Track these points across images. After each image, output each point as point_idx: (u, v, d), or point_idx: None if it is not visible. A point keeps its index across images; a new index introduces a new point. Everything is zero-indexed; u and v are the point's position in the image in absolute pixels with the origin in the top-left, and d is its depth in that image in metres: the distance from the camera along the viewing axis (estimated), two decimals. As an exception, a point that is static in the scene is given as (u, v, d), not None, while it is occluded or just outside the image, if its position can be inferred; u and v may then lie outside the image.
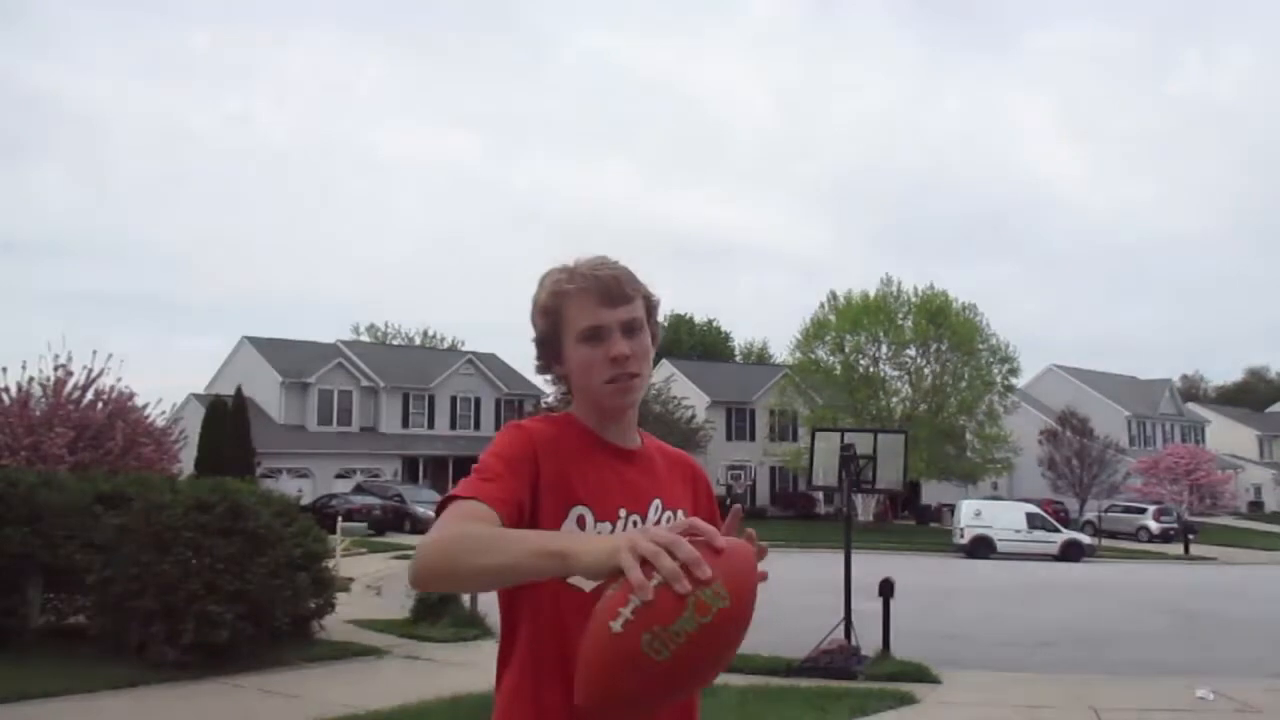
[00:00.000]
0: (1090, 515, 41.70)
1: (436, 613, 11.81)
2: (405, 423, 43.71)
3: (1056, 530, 33.07)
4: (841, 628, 9.90)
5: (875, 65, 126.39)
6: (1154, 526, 40.87)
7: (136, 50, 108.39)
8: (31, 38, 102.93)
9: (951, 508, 39.23)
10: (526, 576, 1.36)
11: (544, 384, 48.93)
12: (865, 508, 42.00)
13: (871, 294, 43.87)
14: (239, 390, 29.95)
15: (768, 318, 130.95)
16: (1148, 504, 43.00)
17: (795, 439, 45.65)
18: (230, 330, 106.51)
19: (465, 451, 43.18)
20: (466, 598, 12.19)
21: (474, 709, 7.37)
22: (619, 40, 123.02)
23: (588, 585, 1.37)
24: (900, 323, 42.95)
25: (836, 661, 9.33)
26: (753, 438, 47.95)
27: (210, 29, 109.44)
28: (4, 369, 18.48)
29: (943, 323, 42.33)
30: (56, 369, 18.59)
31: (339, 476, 38.64)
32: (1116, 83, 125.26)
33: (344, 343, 47.66)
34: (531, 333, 1.79)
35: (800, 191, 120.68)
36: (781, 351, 58.39)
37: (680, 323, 70.25)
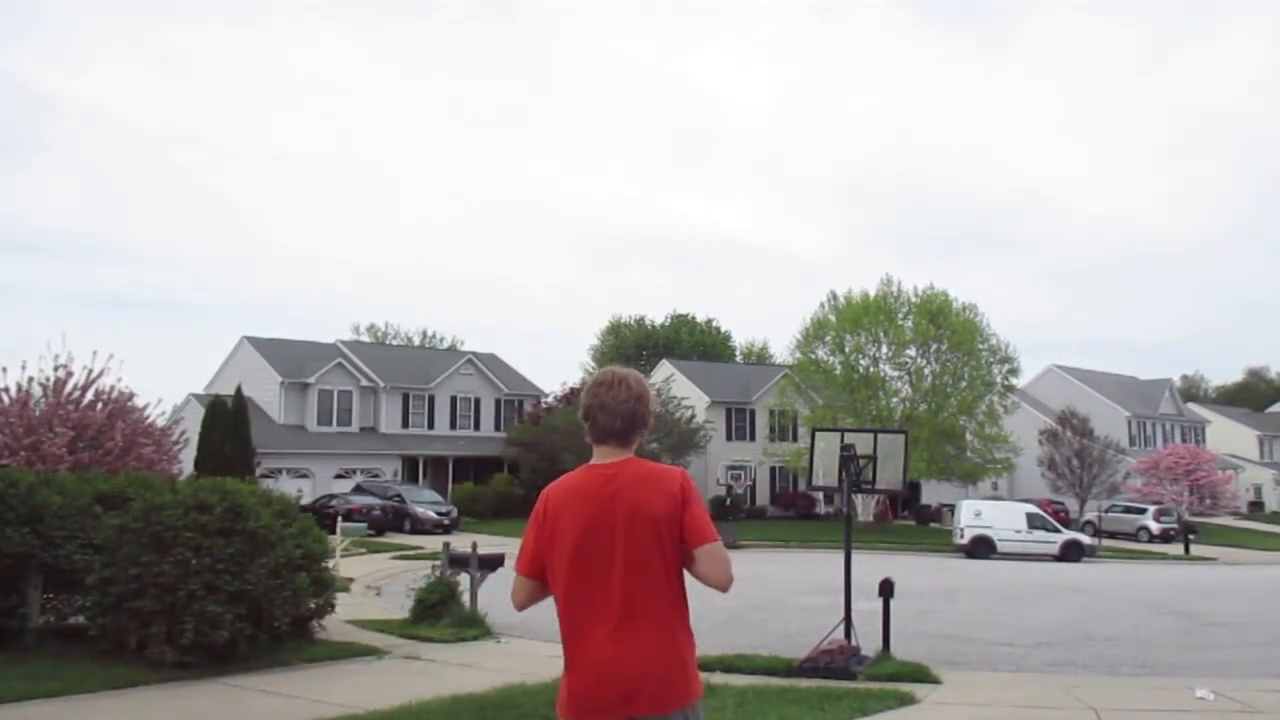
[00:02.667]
0: (1090, 515, 41.70)
1: (436, 613, 11.80)
2: (405, 423, 43.71)
3: (1056, 530, 33.06)
4: (841, 628, 9.88)
5: (876, 65, 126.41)
6: (1154, 527, 40.87)
7: (139, 50, 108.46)
8: (35, 38, 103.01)
9: (951, 508, 39.21)
10: None
11: (543, 384, 49.08)
12: (865, 508, 41.96)
13: (871, 294, 43.84)
14: (239, 390, 29.93)
15: (768, 318, 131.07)
16: (1148, 504, 42.99)
17: (795, 439, 45.62)
18: (230, 330, 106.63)
19: (465, 451, 43.18)
20: (466, 598, 12.20)
21: (474, 709, 7.36)
22: (620, 40, 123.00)
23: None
24: (900, 323, 42.91)
25: (836, 661, 9.31)
26: (753, 438, 47.95)
27: (212, 29, 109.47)
28: (4, 369, 18.52)
29: (943, 323, 42.29)
30: (56, 369, 18.61)
31: (339, 476, 38.63)
32: (1117, 82, 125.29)
33: (344, 343, 47.64)
34: (649, 416, 3.03)
35: (801, 191, 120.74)
36: (781, 351, 58.48)
37: (680, 323, 70.23)
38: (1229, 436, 64.98)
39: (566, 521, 2.86)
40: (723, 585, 2.86)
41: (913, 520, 46.29)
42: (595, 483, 2.89)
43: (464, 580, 12.48)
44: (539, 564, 2.91)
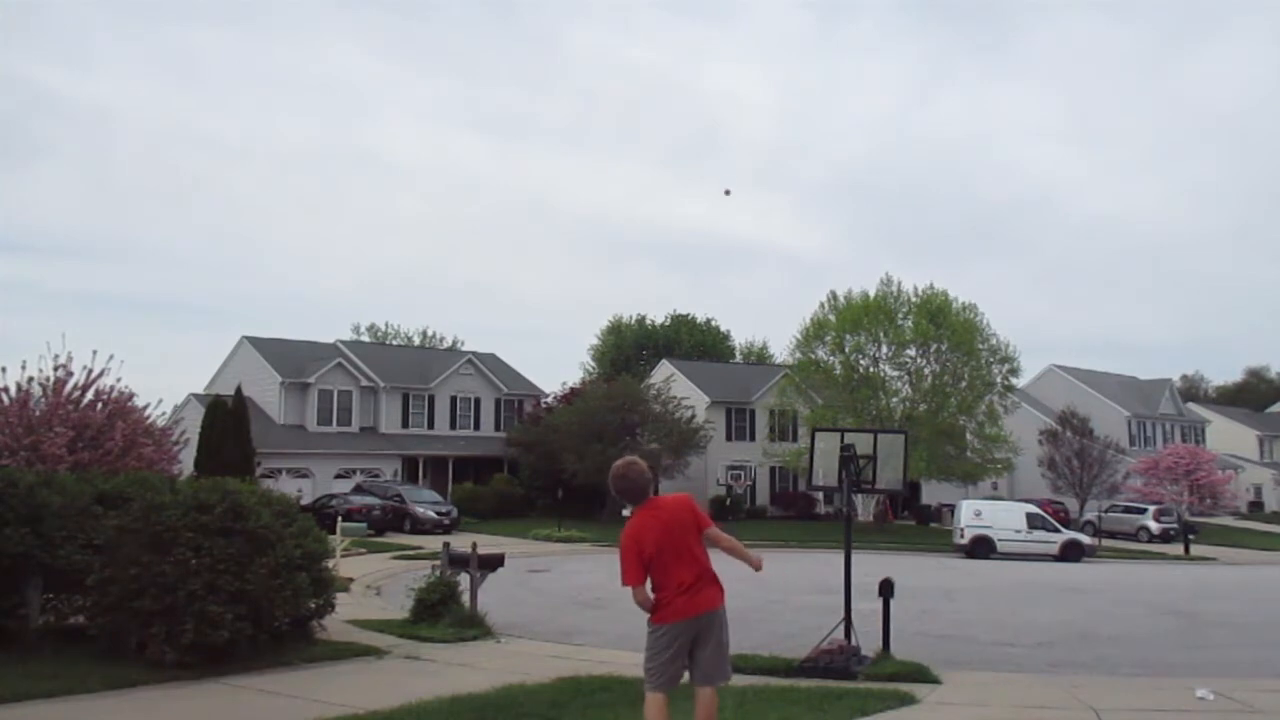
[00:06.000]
0: (1090, 515, 41.66)
1: (436, 613, 11.79)
2: (405, 423, 43.69)
3: (1056, 530, 33.04)
4: (841, 628, 9.88)
5: (877, 66, 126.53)
6: (1154, 527, 40.84)
7: (140, 51, 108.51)
8: (38, 38, 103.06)
9: (951, 508, 39.18)
10: None
11: (543, 384, 49.09)
12: (865, 508, 41.92)
13: (871, 294, 43.75)
14: (239, 390, 29.86)
15: (768, 318, 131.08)
16: (1148, 504, 42.95)
17: (795, 439, 45.57)
18: (230, 330, 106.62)
19: (465, 451, 43.15)
20: (466, 598, 12.19)
21: (474, 709, 7.36)
22: (622, 41, 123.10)
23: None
24: (900, 323, 42.82)
25: (836, 661, 9.31)
26: (753, 438, 47.90)
27: (213, 30, 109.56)
28: (4, 369, 18.51)
29: (943, 323, 42.21)
30: (56, 369, 18.60)
31: (339, 476, 38.62)
32: (1119, 82, 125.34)
33: (344, 343, 47.60)
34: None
35: (801, 191, 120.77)
36: (781, 351, 58.39)
37: (680, 323, 70.16)
38: (1229, 436, 64.93)
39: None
40: (727, 545, 5.73)
41: (913, 520, 46.27)
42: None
43: (464, 580, 12.48)
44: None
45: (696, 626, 5.29)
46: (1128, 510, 42.54)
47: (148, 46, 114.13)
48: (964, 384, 42.47)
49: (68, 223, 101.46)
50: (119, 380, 19.26)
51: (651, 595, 5.33)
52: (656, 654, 5.28)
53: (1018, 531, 32.43)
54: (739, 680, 8.59)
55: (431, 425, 44.28)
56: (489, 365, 47.28)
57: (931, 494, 47.70)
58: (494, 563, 12.77)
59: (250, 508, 9.30)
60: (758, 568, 5.75)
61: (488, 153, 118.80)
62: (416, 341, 71.64)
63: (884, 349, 43.18)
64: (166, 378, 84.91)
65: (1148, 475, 45.92)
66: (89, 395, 18.69)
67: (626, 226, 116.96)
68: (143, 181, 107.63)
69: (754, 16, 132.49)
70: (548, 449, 39.56)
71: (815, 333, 43.78)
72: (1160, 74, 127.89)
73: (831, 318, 43.65)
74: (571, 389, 46.35)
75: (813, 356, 43.77)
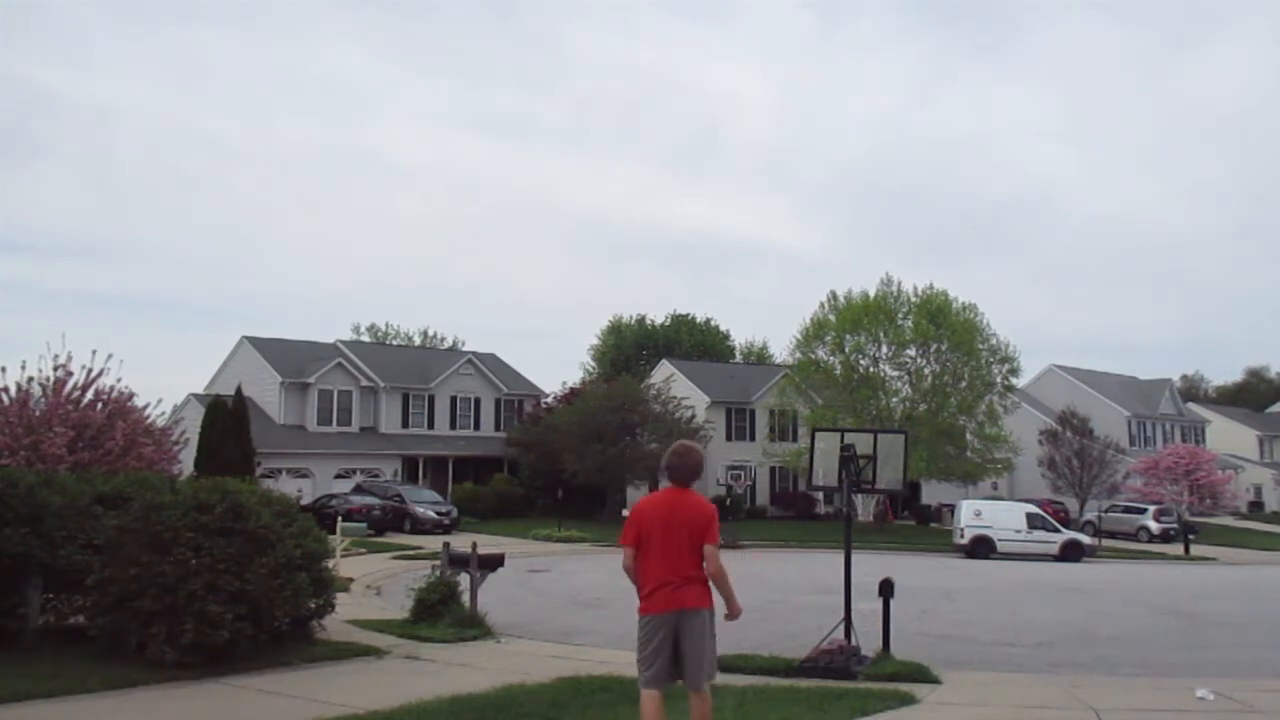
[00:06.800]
0: (1090, 515, 41.65)
1: (436, 613, 11.79)
2: (405, 423, 43.69)
3: (1056, 530, 33.03)
4: (841, 628, 9.88)
5: (877, 66, 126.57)
6: (1154, 527, 40.84)
7: (140, 52, 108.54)
8: (38, 38, 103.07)
9: (951, 508, 39.16)
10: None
11: (543, 384, 49.08)
12: (865, 508, 41.90)
13: (871, 294, 43.73)
14: (239, 390, 29.85)
15: (768, 318, 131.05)
16: (1148, 504, 42.94)
17: (795, 439, 45.55)
18: (230, 330, 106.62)
19: (465, 451, 43.14)
20: (466, 598, 12.19)
21: (474, 709, 7.36)
22: (622, 42, 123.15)
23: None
24: (900, 323, 42.80)
25: (836, 661, 9.31)
26: (753, 438, 47.88)
27: (213, 30, 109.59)
28: (3, 369, 18.50)
29: (942, 323, 42.19)
30: (56, 369, 18.59)
31: (339, 476, 38.61)
32: (1119, 82, 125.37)
33: (344, 343, 47.58)
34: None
35: (801, 191, 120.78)
36: (781, 351, 58.38)
37: (680, 323, 70.13)
38: (1229, 436, 64.90)
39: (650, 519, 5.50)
40: (712, 571, 5.43)
41: (913, 520, 46.25)
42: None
43: (464, 580, 12.47)
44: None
45: (677, 622, 5.43)
46: (1128, 510, 42.54)
47: (148, 46, 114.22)
48: (964, 384, 42.45)
49: (68, 223, 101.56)
50: (119, 380, 19.27)
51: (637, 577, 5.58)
52: (643, 644, 5.47)
53: (1018, 531, 32.43)
54: (739, 680, 8.60)
55: (431, 425, 44.27)
56: (489, 365, 47.27)
57: (931, 494, 47.69)
58: (494, 563, 12.76)
59: (250, 508, 9.30)
60: (733, 615, 5.59)
61: (488, 153, 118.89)
62: (416, 341, 71.62)
63: (884, 349, 43.16)
64: (166, 378, 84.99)
65: (1148, 475, 45.90)
66: (89, 395, 18.68)
67: (626, 226, 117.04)
68: (143, 181, 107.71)
69: (754, 16, 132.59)
70: (548, 449, 39.54)
71: (815, 333, 43.76)
72: (1160, 74, 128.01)
73: (831, 318, 43.63)
74: (571, 389, 46.33)
75: (813, 356, 43.75)
